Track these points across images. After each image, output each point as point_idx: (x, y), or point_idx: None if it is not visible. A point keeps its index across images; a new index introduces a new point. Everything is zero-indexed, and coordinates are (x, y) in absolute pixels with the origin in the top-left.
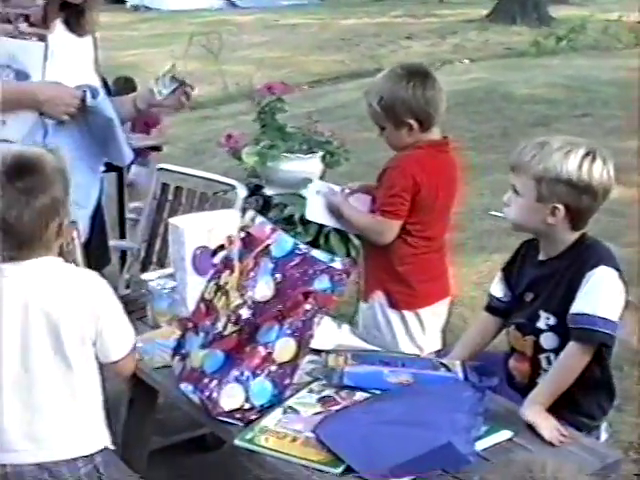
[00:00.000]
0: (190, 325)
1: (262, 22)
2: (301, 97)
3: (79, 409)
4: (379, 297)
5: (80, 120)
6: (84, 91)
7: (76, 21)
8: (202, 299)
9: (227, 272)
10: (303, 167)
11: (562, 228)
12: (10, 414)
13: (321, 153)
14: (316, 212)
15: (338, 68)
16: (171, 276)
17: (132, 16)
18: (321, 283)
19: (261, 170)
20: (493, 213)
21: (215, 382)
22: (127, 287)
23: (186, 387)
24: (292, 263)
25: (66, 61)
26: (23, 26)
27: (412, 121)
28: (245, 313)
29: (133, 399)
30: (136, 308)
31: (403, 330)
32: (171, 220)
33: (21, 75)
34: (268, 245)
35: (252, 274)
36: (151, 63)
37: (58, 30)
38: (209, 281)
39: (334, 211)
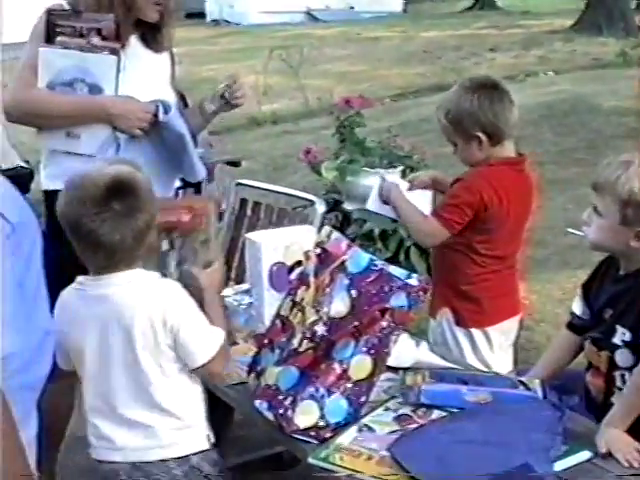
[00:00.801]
0: (266, 342)
1: (344, 35)
2: (383, 111)
3: (163, 415)
4: (446, 314)
5: (153, 135)
6: (157, 106)
7: (152, 37)
8: (278, 315)
9: (303, 288)
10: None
11: None
12: (98, 421)
13: (401, 167)
14: (377, 202)
15: (420, 81)
16: (248, 292)
17: (212, 31)
18: (398, 300)
19: (340, 185)
20: (571, 231)
21: (290, 399)
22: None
23: (261, 404)
24: (368, 279)
25: (140, 76)
26: (95, 40)
27: (481, 134)
28: (320, 329)
29: (208, 417)
30: None
31: (470, 348)
32: (248, 235)
33: (94, 89)
34: (344, 261)
35: (328, 290)
36: None
37: (133, 45)
38: (285, 297)
39: (386, 201)
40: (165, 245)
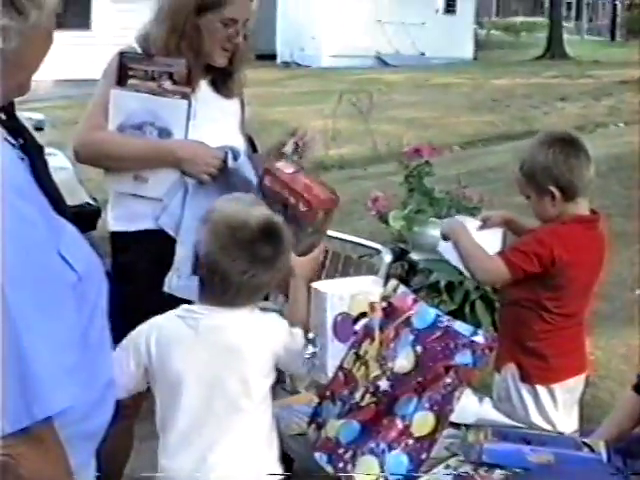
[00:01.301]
0: (328, 393)
1: (413, 81)
2: (451, 159)
3: (254, 446)
4: (511, 369)
5: (221, 181)
6: (226, 152)
7: (222, 83)
8: (341, 368)
9: (367, 341)
10: None
11: None
12: (185, 450)
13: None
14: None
15: (489, 129)
16: (311, 341)
17: (282, 73)
18: (463, 357)
19: (407, 234)
20: None
21: (350, 453)
22: None
23: (321, 457)
24: (433, 336)
25: (210, 121)
26: (167, 84)
27: (554, 189)
28: (384, 384)
29: None
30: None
31: (534, 405)
32: (314, 284)
33: (164, 133)
34: (410, 316)
35: (392, 345)
36: (299, 120)
37: (203, 90)
38: (349, 349)
39: (450, 237)
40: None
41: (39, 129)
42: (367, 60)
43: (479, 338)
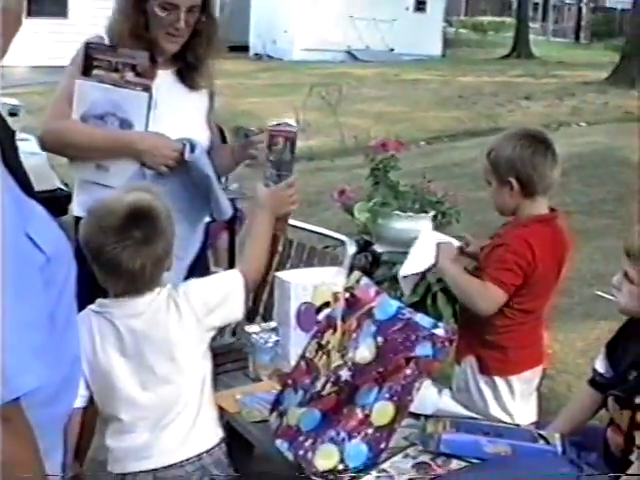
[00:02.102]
0: (289, 382)
1: (382, 76)
2: (417, 153)
3: (189, 411)
4: (470, 361)
5: (180, 173)
6: (183, 144)
7: (188, 74)
8: (303, 357)
9: (330, 331)
10: (414, 226)
11: None
12: (133, 431)
13: (432, 213)
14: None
15: (455, 125)
16: (274, 330)
17: (254, 65)
18: (423, 349)
19: (372, 227)
20: (601, 294)
21: (310, 441)
22: (233, 334)
23: (282, 444)
24: (395, 327)
25: (173, 113)
26: (129, 75)
27: (514, 181)
28: (345, 374)
29: (229, 452)
30: (239, 358)
31: (493, 396)
32: (278, 274)
33: (125, 124)
34: (372, 307)
35: (354, 335)
36: (269, 112)
37: (168, 81)
38: (311, 339)
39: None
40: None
41: (13, 114)
42: (338, 55)
43: (439, 331)
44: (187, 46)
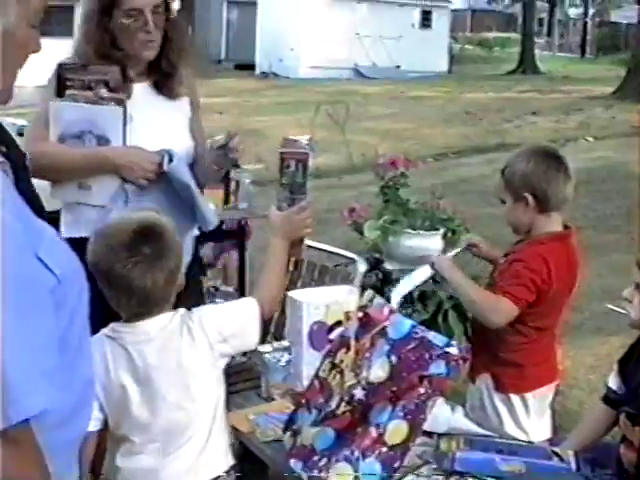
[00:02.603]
0: (303, 401)
1: (389, 93)
2: (425, 170)
3: (199, 438)
4: (486, 379)
5: (162, 185)
6: (162, 155)
7: (164, 83)
8: (317, 376)
9: (343, 350)
10: (424, 244)
11: None
12: (143, 453)
13: (442, 230)
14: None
15: (462, 142)
16: (287, 349)
17: (261, 83)
18: (437, 368)
19: (382, 245)
20: (612, 307)
21: (324, 460)
22: (244, 354)
23: (295, 464)
24: (408, 346)
25: (153, 125)
26: (103, 92)
27: (528, 196)
28: (358, 393)
29: (242, 472)
30: (251, 377)
31: (508, 413)
32: (290, 293)
33: (102, 140)
34: (385, 326)
35: (368, 354)
36: (277, 130)
37: (145, 94)
38: (324, 358)
39: (443, 276)
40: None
41: (21, 134)
42: (344, 72)
43: (453, 349)
44: (160, 55)
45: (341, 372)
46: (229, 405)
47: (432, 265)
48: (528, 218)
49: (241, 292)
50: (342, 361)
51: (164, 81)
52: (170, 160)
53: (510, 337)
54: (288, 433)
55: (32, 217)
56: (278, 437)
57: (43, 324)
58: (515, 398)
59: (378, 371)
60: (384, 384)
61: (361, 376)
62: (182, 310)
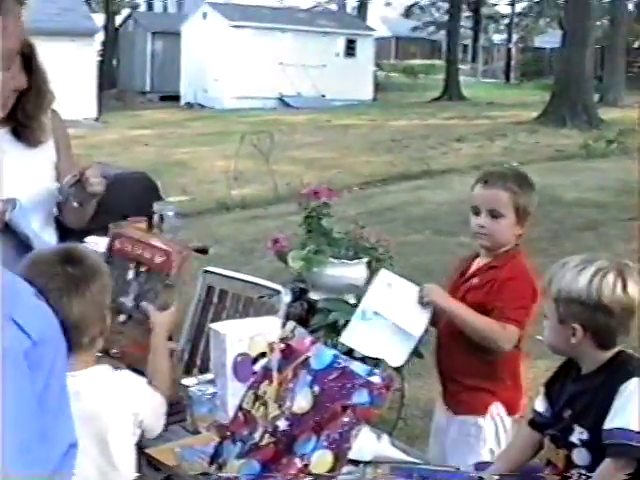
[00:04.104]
0: (228, 433)
1: (314, 122)
2: (350, 199)
3: None
4: (497, 408)
5: (6, 234)
6: (7, 204)
7: (23, 132)
8: (240, 408)
9: (266, 382)
10: (349, 273)
11: (588, 347)
12: None
13: (367, 259)
14: (394, 307)
15: (387, 170)
16: (212, 382)
17: (186, 114)
18: (360, 397)
19: (307, 275)
20: (538, 337)
21: None
22: None
23: None
24: (331, 376)
25: (10, 171)
26: None
27: (525, 220)
28: (282, 424)
29: None
30: (177, 411)
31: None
32: (213, 326)
33: None
34: (307, 357)
35: (291, 385)
36: (202, 161)
37: (4, 141)
38: (248, 390)
39: (434, 308)
40: (130, 274)
41: None
42: (269, 102)
43: (375, 378)
44: (16, 106)
45: (265, 404)
46: (155, 439)
47: (421, 297)
48: (516, 238)
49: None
50: (265, 392)
51: (22, 130)
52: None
53: (507, 359)
54: (214, 466)
55: (8, 276)
56: (204, 470)
57: (18, 395)
58: (519, 419)
59: (301, 402)
60: (307, 414)
61: (284, 407)
62: (107, 366)
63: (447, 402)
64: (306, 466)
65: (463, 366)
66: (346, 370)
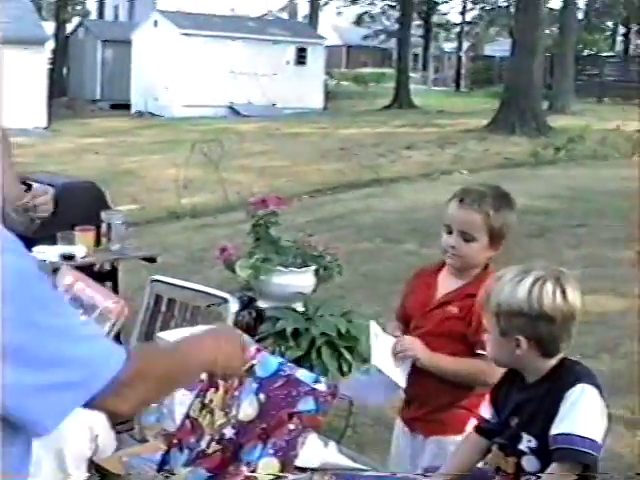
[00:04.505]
0: (175, 441)
1: (264, 131)
2: (300, 207)
3: None
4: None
5: None
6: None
7: None
8: (187, 416)
9: (212, 390)
10: (296, 281)
11: (532, 357)
12: None
13: (314, 267)
14: (381, 358)
15: (337, 178)
16: None
17: (136, 122)
18: (306, 404)
19: (254, 283)
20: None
21: None
22: None
23: None
24: (276, 384)
25: None
26: None
27: (500, 243)
28: (229, 432)
29: None
30: (126, 420)
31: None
32: (159, 334)
33: None
34: (253, 365)
35: (236, 393)
36: (152, 170)
37: None
38: (195, 398)
39: (413, 361)
40: None
41: None
42: (220, 110)
43: (321, 386)
44: None
45: (211, 411)
46: None
47: (399, 351)
48: (486, 259)
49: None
50: (212, 400)
51: None
52: None
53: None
54: (161, 474)
55: None
56: (152, 478)
57: None
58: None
59: (247, 409)
60: (253, 422)
61: (231, 415)
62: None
63: (415, 425)
64: (253, 471)
65: (436, 388)
66: (291, 378)
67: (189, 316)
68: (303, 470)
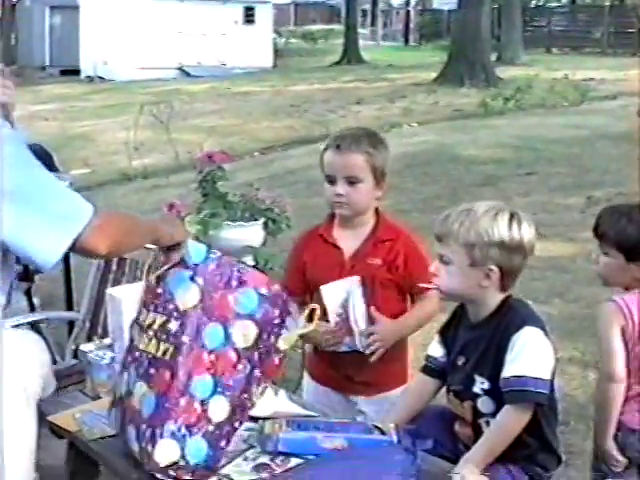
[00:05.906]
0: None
1: (214, 90)
2: (252, 164)
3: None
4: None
5: None
6: None
7: None
8: (131, 345)
9: (144, 312)
10: (245, 235)
11: (492, 290)
12: None
13: (262, 220)
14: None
15: (288, 134)
16: (110, 347)
17: (86, 87)
18: (249, 301)
19: (203, 238)
20: (423, 286)
21: (150, 431)
22: (75, 357)
23: (130, 432)
24: (210, 268)
25: None
26: None
27: (384, 182)
28: (173, 326)
29: (74, 472)
30: (81, 380)
31: None
32: (109, 291)
33: None
34: (182, 259)
35: (159, 290)
36: (103, 134)
37: None
38: (130, 328)
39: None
40: None
41: None
42: (170, 72)
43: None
44: None
45: (150, 326)
46: (57, 407)
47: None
48: (375, 202)
49: (69, 305)
50: (144, 321)
51: None
52: None
53: None
54: (115, 405)
55: None
56: (105, 434)
57: None
58: None
59: (185, 297)
60: (196, 307)
61: (167, 310)
62: None
63: (348, 389)
64: (205, 412)
65: (384, 373)
66: (222, 260)
67: (139, 273)
68: (255, 419)
